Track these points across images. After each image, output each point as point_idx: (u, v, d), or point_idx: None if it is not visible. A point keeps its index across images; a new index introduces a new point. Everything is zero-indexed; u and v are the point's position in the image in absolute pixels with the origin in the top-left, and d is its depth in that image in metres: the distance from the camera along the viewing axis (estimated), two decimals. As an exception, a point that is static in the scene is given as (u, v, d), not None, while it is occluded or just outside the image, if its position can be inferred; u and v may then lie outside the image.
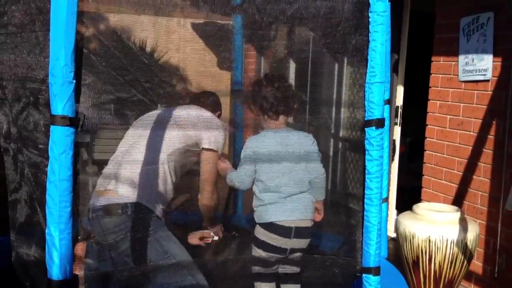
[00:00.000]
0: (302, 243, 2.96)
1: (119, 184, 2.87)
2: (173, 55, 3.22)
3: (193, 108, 3.14)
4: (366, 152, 2.47)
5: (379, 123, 2.46)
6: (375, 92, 2.44)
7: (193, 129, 2.98)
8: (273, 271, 3.00)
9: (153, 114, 3.04)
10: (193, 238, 3.21)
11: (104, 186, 2.92)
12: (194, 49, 3.20)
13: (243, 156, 2.95)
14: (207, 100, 3.20)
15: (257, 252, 2.96)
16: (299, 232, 2.93)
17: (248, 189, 3.00)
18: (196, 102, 3.20)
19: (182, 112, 3.05)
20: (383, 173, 3.14)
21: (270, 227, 2.90)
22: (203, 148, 3.00)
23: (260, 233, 2.94)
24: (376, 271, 2.48)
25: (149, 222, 2.81)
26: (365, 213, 2.49)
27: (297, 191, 2.95)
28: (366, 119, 2.45)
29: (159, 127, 2.94)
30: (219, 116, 3.30)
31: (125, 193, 2.83)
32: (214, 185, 3.05)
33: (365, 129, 2.45)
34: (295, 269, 3.04)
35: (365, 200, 2.49)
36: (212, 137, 3.00)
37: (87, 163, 4.66)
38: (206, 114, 3.10)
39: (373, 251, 2.48)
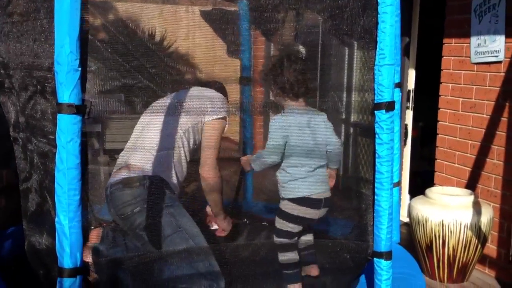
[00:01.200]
0: (325, 212, 3.07)
1: (137, 159, 2.99)
2: (182, 43, 3.23)
3: (196, 89, 3.26)
4: (376, 135, 2.44)
5: (389, 106, 2.43)
6: (384, 74, 2.41)
7: (198, 105, 3.10)
8: (295, 242, 3.08)
9: (163, 100, 3.16)
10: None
11: (120, 166, 3.04)
12: (203, 36, 3.20)
13: (272, 132, 2.98)
14: (212, 87, 3.29)
15: (287, 225, 2.99)
16: (326, 203, 3.04)
17: (277, 163, 3.02)
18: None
19: (188, 94, 3.19)
20: (393, 157, 3.13)
21: (303, 201, 2.97)
22: (206, 121, 3.12)
23: (291, 208, 2.99)
24: (387, 255, 2.46)
25: (165, 195, 2.90)
26: (375, 197, 2.47)
27: (321, 164, 3.05)
28: (375, 102, 2.42)
29: (170, 110, 3.07)
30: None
31: (143, 167, 2.93)
32: (216, 159, 3.09)
33: (375, 112, 2.43)
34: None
35: (376, 184, 2.47)
36: (215, 108, 3.11)
37: (98, 152, 4.69)
38: (208, 91, 3.23)
39: (384, 236, 2.46)
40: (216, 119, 3.12)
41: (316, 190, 3.00)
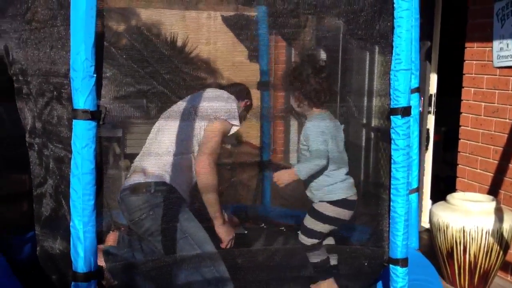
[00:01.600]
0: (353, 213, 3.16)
1: (146, 164, 2.99)
2: (203, 48, 3.24)
3: (209, 91, 3.19)
4: (392, 141, 2.42)
5: (405, 112, 2.40)
6: (400, 79, 2.38)
7: (206, 107, 3.05)
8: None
9: (177, 104, 3.12)
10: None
11: (133, 171, 3.06)
12: (224, 42, 3.21)
13: (314, 136, 3.03)
14: (232, 89, 3.23)
15: (321, 226, 3.06)
16: (356, 204, 3.13)
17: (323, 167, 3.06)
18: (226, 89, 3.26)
19: (200, 96, 3.13)
20: (411, 163, 3.10)
21: (341, 202, 3.05)
22: (208, 123, 3.05)
23: (328, 209, 3.05)
24: (403, 262, 2.43)
25: (171, 201, 2.89)
26: (391, 203, 2.44)
27: (348, 167, 3.15)
28: (391, 107, 2.40)
29: (181, 115, 3.05)
30: (246, 105, 3.33)
31: (151, 172, 2.93)
32: (214, 159, 3.00)
33: (391, 117, 2.40)
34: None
35: (392, 190, 2.44)
36: (219, 109, 3.04)
37: (119, 157, 4.73)
38: (218, 92, 3.17)
39: (400, 242, 2.43)
40: (218, 120, 3.04)
41: (352, 191, 3.10)
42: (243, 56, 3.45)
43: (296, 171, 3.04)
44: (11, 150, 3.11)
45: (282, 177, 3.11)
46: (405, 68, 2.38)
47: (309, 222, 3.07)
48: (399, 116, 2.39)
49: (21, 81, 2.49)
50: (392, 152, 2.42)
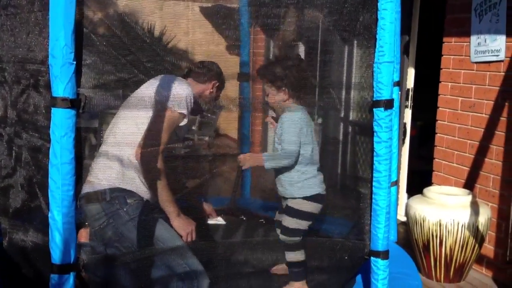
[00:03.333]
0: None
1: (97, 167, 2.79)
2: (182, 38, 3.17)
3: (158, 77, 2.94)
4: (375, 133, 2.41)
5: (388, 104, 2.40)
6: (384, 72, 2.38)
7: (158, 96, 2.83)
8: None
9: (132, 95, 2.89)
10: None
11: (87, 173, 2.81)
12: (203, 32, 3.15)
13: (287, 133, 2.98)
14: (201, 69, 3.05)
15: (299, 223, 3.01)
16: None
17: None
18: (192, 72, 3.05)
19: (151, 85, 2.89)
20: (392, 156, 3.10)
21: (316, 197, 3.03)
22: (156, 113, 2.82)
23: (304, 206, 3.03)
24: (384, 254, 2.43)
25: (128, 205, 2.72)
26: (373, 196, 2.44)
27: (319, 163, 3.12)
28: (374, 99, 2.39)
29: (132, 107, 2.84)
30: (214, 86, 3.10)
31: (102, 178, 2.74)
32: (160, 150, 2.78)
33: (374, 110, 2.40)
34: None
35: (374, 183, 2.44)
36: (168, 97, 2.83)
37: (95, 148, 4.65)
38: (168, 77, 2.94)
39: (382, 235, 2.43)
40: (166, 109, 2.81)
41: (323, 186, 3.08)
42: (223, 47, 3.41)
43: (264, 160, 3.02)
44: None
45: (247, 160, 3.12)
46: (388, 61, 2.38)
47: (287, 221, 3.02)
48: (382, 109, 2.38)
49: (-7, 68, 2.43)
50: (375, 145, 2.41)
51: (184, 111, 2.86)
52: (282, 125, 3.02)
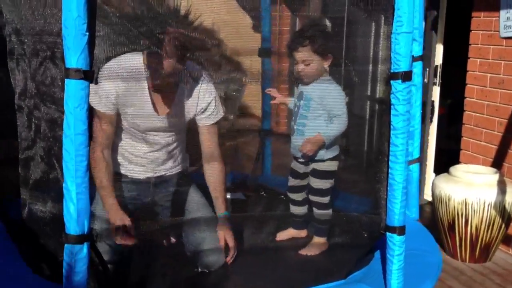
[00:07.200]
0: None
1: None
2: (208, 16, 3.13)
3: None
4: (392, 106, 2.35)
5: (406, 76, 2.33)
6: (402, 43, 2.30)
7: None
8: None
9: None
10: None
11: None
12: (229, 9, 3.12)
13: (339, 104, 3.09)
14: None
15: (331, 183, 3.20)
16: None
17: None
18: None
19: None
20: (413, 133, 3.04)
21: (337, 158, 3.21)
22: None
23: (332, 166, 3.19)
24: (400, 230, 2.39)
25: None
26: (390, 170, 2.39)
27: None
28: (392, 71, 2.33)
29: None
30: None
31: None
32: (98, 148, 2.70)
33: (391, 82, 2.34)
34: None
35: (390, 157, 2.38)
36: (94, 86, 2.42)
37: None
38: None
39: (398, 210, 2.38)
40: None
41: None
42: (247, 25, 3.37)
43: (327, 138, 3.09)
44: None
45: (309, 147, 3.10)
46: (406, 31, 2.30)
47: (318, 183, 3.16)
48: (400, 81, 2.32)
49: (14, 41, 2.44)
50: (392, 118, 2.35)
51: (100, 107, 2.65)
52: (326, 93, 3.07)
